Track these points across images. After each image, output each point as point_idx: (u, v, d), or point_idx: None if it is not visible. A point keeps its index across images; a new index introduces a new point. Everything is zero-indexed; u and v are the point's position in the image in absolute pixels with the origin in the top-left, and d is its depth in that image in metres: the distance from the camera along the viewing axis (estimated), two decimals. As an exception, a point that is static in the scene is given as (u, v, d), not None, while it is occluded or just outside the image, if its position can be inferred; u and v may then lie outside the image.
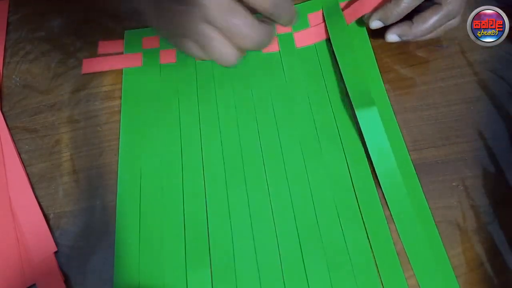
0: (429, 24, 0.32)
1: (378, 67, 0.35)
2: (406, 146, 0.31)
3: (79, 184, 0.30)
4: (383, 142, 0.30)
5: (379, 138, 0.30)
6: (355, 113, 0.31)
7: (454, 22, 0.32)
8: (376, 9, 0.33)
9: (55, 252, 0.28)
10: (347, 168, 0.31)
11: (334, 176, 0.30)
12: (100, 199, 0.30)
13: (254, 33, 0.25)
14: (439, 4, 0.31)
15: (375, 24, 0.34)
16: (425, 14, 0.32)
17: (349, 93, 0.32)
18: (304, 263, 0.27)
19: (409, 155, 0.31)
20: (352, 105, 0.32)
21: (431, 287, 0.27)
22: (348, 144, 0.31)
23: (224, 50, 0.25)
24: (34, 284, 0.27)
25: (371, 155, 0.30)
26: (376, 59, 0.36)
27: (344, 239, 0.28)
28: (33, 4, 0.39)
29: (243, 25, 0.24)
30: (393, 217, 0.29)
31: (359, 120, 0.30)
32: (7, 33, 0.38)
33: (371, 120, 0.30)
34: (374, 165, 0.30)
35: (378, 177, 0.30)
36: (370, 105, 0.30)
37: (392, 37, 0.33)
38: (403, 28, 0.33)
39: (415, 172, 0.30)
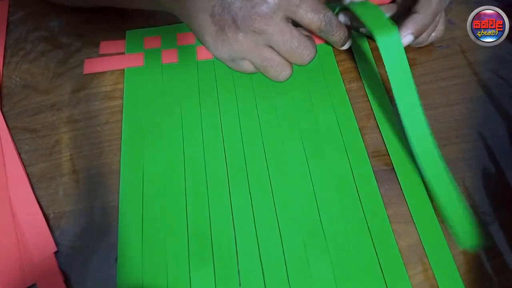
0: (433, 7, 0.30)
1: (378, 68, 0.35)
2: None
3: (79, 184, 0.30)
4: (405, 70, 0.28)
5: (401, 66, 0.28)
6: (364, 83, 0.32)
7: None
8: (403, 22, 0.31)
9: (55, 252, 0.28)
10: (350, 167, 0.31)
11: (336, 175, 0.30)
12: (100, 199, 0.30)
13: (309, 52, 0.30)
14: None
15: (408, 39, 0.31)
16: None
17: (366, 24, 0.30)
18: (308, 261, 0.27)
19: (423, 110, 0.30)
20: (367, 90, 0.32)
21: (447, 282, 0.27)
22: (350, 143, 0.32)
23: (281, 68, 0.30)
24: (34, 284, 0.27)
25: (391, 84, 0.28)
26: (375, 59, 0.36)
27: (348, 237, 0.28)
28: (33, 4, 0.39)
29: (302, 47, 0.29)
30: (390, 221, 0.29)
31: (379, 47, 0.28)
32: (7, 33, 0.38)
33: (393, 45, 0.28)
34: (395, 97, 0.28)
35: (399, 111, 0.28)
36: (391, 29, 0.28)
37: (409, 38, 0.30)
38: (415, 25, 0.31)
39: (417, 172, 0.30)
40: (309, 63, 0.31)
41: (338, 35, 0.31)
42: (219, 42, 0.29)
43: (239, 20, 0.27)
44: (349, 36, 0.33)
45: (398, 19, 0.31)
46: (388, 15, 0.33)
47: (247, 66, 0.31)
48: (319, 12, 0.29)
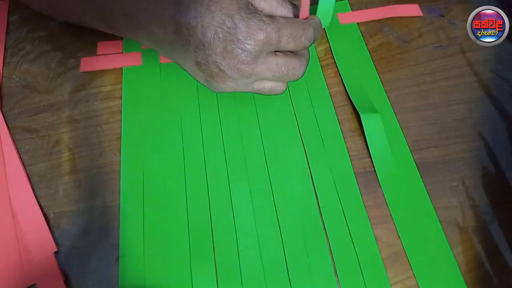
0: None
1: (377, 68, 0.35)
2: (408, 146, 0.31)
3: (79, 184, 0.30)
4: (384, 146, 0.31)
5: (381, 143, 0.31)
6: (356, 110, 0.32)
7: None
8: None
9: (55, 252, 0.28)
10: (350, 163, 0.31)
11: (336, 171, 0.30)
12: (100, 199, 0.30)
13: (300, 70, 0.30)
14: None
15: None
16: None
17: (353, 100, 0.33)
18: (308, 259, 0.27)
19: (412, 154, 0.31)
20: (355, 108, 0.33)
21: (432, 286, 0.27)
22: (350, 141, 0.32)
23: (275, 90, 0.31)
24: (34, 284, 0.27)
25: (372, 157, 0.31)
26: (374, 60, 0.36)
27: (350, 234, 0.28)
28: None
29: (291, 69, 0.29)
30: (392, 217, 0.29)
31: (363, 124, 0.31)
32: (7, 33, 0.38)
33: (375, 125, 0.31)
34: (375, 166, 0.31)
35: (379, 180, 0.30)
36: (374, 112, 0.32)
37: None
38: None
39: (418, 171, 0.30)
40: (303, 75, 0.31)
41: (320, 33, 0.31)
42: (212, 85, 0.30)
43: (225, 69, 0.28)
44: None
45: None
46: None
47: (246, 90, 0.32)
48: (300, 36, 0.28)
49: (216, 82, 0.29)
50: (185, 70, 0.31)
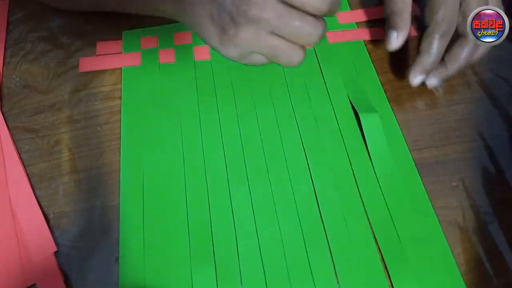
0: (462, 60, 0.32)
1: (376, 68, 0.35)
2: (408, 146, 0.31)
3: (79, 184, 0.30)
4: (383, 146, 0.31)
5: (380, 142, 0.31)
6: (355, 109, 0.32)
7: (482, 49, 0.33)
8: (410, 64, 0.33)
9: (55, 252, 0.28)
10: (349, 162, 0.31)
11: (336, 170, 0.30)
12: (100, 199, 0.30)
13: (315, 30, 0.27)
14: (464, 36, 0.32)
15: (417, 80, 0.33)
16: (455, 51, 0.32)
17: (352, 100, 0.33)
18: (308, 258, 0.27)
19: (410, 154, 0.31)
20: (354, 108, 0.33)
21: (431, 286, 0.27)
22: (349, 139, 0.32)
23: (291, 53, 0.28)
24: (34, 284, 0.27)
25: (371, 157, 0.31)
26: (373, 60, 0.36)
27: (349, 233, 0.28)
28: (33, 4, 0.39)
29: (305, 25, 0.27)
30: (392, 216, 0.29)
31: (362, 125, 0.31)
32: (7, 33, 0.38)
33: (374, 125, 0.31)
34: (374, 167, 0.30)
35: (378, 179, 0.30)
36: (373, 111, 0.32)
37: (434, 82, 0.33)
38: (441, 71, 0.33)
39: (417, 171, 0.30)
40: (319, 41, 0.28)
41: (336, 10, 0.29)
42: (224, 43, 0.29)
43: (235, 14, 0.27)
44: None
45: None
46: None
47: (258, 58, 0.30)
48: None
49: (227, 36, 0.28)
50: (197, 34, 0.29)
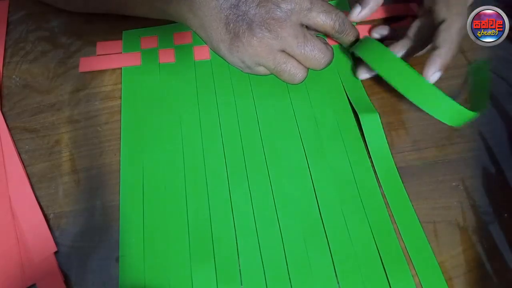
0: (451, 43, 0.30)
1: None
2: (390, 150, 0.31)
3: (79, 184, 0.30)
4: (382, 144, 0.31)
5: (380, 142, 0.31)
6: (356, 112, 0.32)
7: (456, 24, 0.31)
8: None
9: (55, 252, 0.28)
10: (349, 163, 0.31)
11: (336, 171, 0.30)
12: (100, 199, 0.30)
13: (323, 56, 0.30)
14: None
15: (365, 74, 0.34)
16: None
17: (352, 101, 0.33)
18: (308, 258, 0.27)
19: (393, 158, 0.31)
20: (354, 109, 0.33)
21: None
22: (349, 139, 0.32)
23: (295, 72, 0.30)
24: (34, 284, 0.27)
25: (372, 157, 0.31)
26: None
27: (348, 233, 0.28)
28: (33, 4, 0.39)
29: (316, 50, 0.29)
30: (393, 214, 0.29)
31: (362, 125, 0.31)
32: (7, 33, 0.38)
33: (374, 125, 0.31)
34: (374, 164, 0.31)
35: (378, 176, 0.30)
36: (373, 111, 0.32)
37: (437, 75, 0.30)
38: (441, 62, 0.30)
39: (398, 174, 0.30)
40: (325, 67, 0.31)
41: (351, 34, 0.32)
42: (234, 49, 0.29)
43: (254, 25, 0.28)
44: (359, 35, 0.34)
45: (412, 52, 0.33)
46: (378, 35, 0.36)
47: (262, 70, 0.31)
48: (331, 12, 0.30)
49: (240, 42, 0.29)
50: (202, 36, 0.31)
